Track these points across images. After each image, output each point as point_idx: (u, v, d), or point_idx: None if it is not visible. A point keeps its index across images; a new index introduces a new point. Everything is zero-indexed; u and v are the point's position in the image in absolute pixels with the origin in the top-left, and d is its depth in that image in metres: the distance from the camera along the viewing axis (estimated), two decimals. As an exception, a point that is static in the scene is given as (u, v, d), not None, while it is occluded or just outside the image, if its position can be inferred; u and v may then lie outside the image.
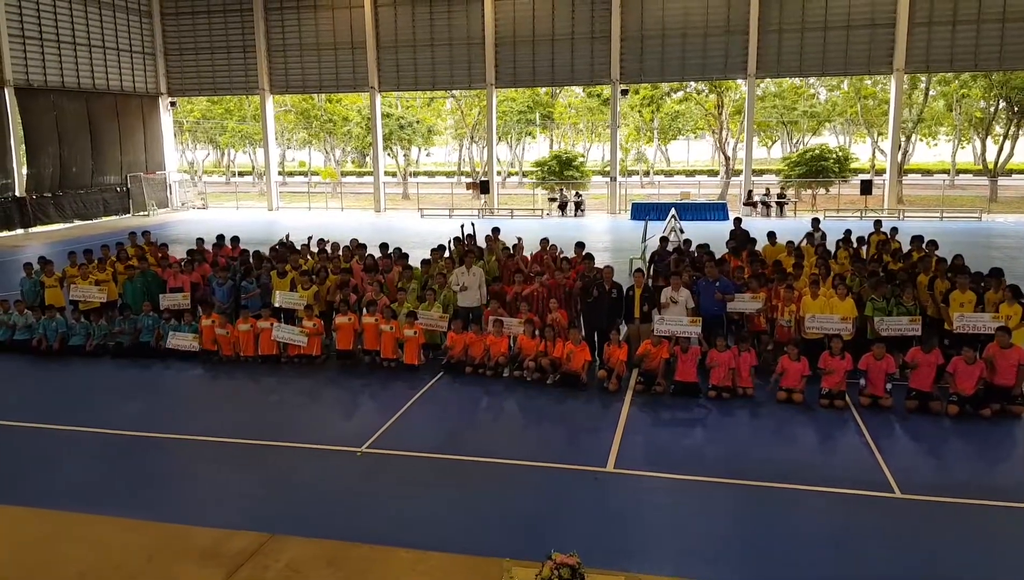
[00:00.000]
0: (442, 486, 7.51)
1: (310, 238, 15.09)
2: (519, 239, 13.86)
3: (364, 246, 13.75)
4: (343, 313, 11.45)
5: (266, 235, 21.90)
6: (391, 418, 9.21)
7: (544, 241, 13.64)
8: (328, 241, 14.50)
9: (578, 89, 51.12)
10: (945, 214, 30.29)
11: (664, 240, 14.18)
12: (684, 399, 9.82)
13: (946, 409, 9.14)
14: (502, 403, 9.96)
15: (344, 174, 57.71)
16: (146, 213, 34.29)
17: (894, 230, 14.38)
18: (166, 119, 36.33)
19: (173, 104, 36.48)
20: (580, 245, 13.08)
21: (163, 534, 6.69)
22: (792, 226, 15.07)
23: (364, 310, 11.61)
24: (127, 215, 33.57)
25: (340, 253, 13.68)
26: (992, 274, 10.72)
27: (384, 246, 13.99)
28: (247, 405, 9.98)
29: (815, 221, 15.43)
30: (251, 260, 13.56)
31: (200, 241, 15.10)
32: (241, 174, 63.26)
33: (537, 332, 10.87)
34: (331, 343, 11.93)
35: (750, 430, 8.91)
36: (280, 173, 51.82)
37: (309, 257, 13.91)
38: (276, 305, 12.15)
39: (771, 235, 13.73)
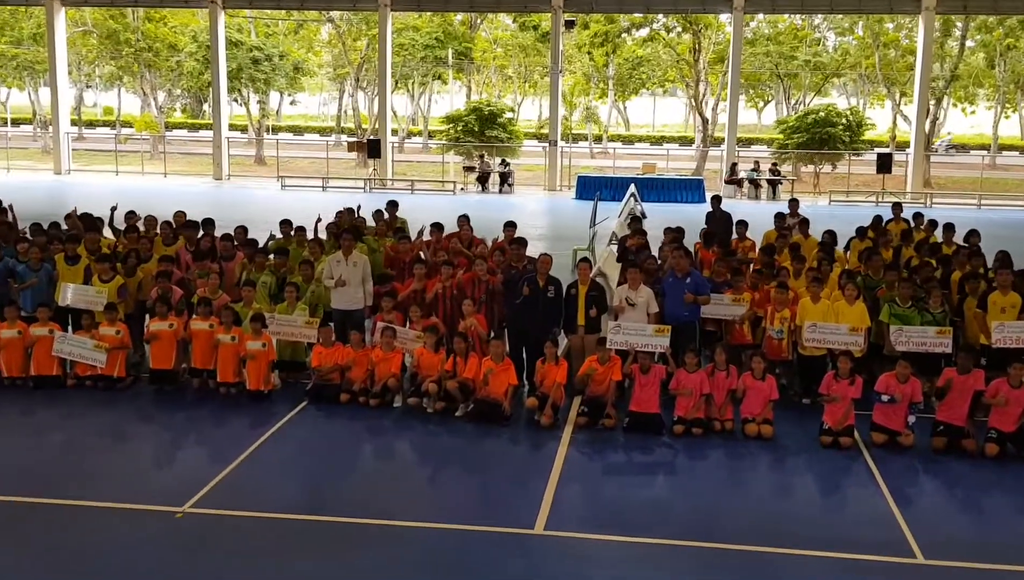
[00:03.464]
0: (300, 558, 7.44)
1: (114, 209, 14.63)
2: (427, 228, 13.63)
3: (195, 226, 13.50)
4: (162, 317, 11.22)
5: (50, 208, 21.06)
6: (228, 466, 9.12)
7: (463, 219, 13.68)
8: (140, 216, 14.10)
9: (507, 18, 51.64)
10: (984, 201, 32.06)
11: (636, 220, 14.46)
12: (642, 436, 9.93)
13: (983, 448, 9.60)
14: (391, 444, 9.92)
15: (171, 126, 56.33)
16: None
17: (919, 217, 15.07)
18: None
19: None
20: (511, 225, 13.12)
21: None
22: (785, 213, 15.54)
23: (194, 312, 11.44)
24: None
25: (159, 232, 13.40)
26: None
27: (209, 222, 13.74)
28: (17, 448, 9.69)
29: (792, 202, 16.17)
30: (28, 236, 13.03)
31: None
32: (17, 123, 60.68)
33: (443, 344, 10.81)
34: (143, 360, 11.74)
35: (729, 477, 9.11)
36: (74, 122, 49.98)
37: (112, 236, 13.58)
38: (62, 304, 11.72)
39: (742, 222, 14.31)
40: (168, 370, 11.26)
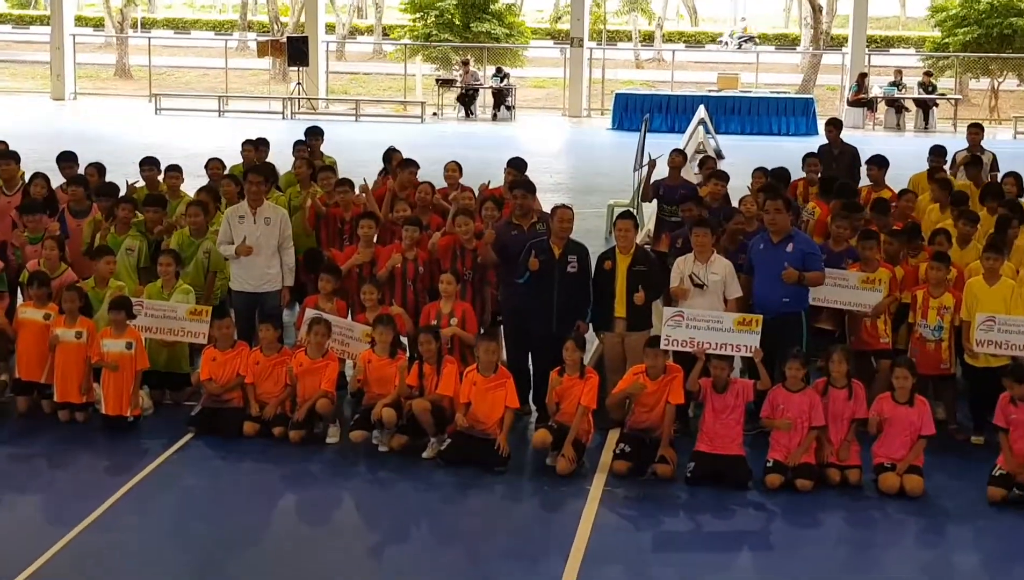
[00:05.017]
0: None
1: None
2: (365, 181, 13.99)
3: (13, 156, 13.71)
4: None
5: None
6: (71, 530, 9.18)
7: (455, 166, 13.76)
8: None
9: None
10: None
11: (679, 154, 14.71)
12: (716, 491, 9.93)
13: None
14: (323, 499, 10.04)
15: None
16: None
17: None
18: None
19: None
20: (518, 164, 13.52)
21: None
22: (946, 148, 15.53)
23: (21, 294, 11.63)
24: None
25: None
26: None
27: (68, 156, 14.01)
28: None
29: (974, 130, 16.03)
30: None
31: None
32: None
33: (404, 345, 10.85)
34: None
35: (853, 555, 9.14)
36: None
37: None
38: None
39: (880, 159, 14.14)
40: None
